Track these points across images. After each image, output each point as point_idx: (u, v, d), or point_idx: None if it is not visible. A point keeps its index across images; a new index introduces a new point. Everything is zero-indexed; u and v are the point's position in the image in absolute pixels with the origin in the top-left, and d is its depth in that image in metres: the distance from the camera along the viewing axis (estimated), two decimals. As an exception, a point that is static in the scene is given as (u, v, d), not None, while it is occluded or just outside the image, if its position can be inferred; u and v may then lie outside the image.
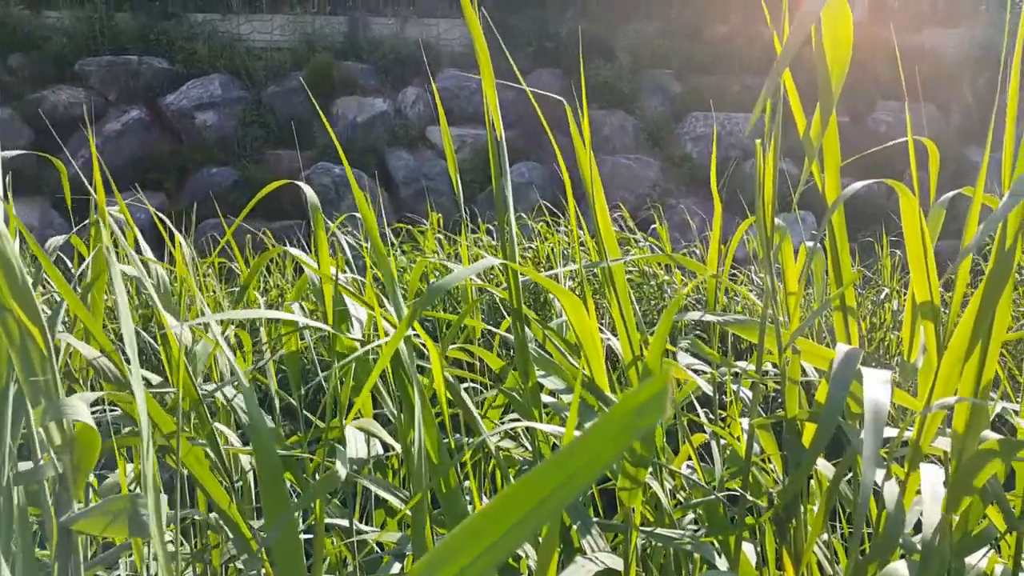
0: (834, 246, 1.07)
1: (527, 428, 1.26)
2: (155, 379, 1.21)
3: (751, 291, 3.00)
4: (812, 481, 1.21)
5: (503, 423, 1.11)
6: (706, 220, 5.49)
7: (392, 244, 3.44)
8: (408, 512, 0.96)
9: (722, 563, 1.07)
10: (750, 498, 1.07)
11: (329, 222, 1.47)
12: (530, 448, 1.28)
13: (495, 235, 3.62)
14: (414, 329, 1.03)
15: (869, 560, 0.95)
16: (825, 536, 1.17)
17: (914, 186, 1.00)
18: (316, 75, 10.08)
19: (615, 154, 10.09)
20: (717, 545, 1.11)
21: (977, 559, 0.99)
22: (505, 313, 2.13)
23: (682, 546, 1.04)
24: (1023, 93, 0.89)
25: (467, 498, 1.13)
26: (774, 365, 1.15)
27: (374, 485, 1.14)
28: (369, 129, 9.95)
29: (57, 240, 1.43)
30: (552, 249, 3.31)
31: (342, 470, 0.98)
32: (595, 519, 1.07)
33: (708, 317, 1.20)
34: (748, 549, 1.14)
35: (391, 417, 1.25)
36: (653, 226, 3.73)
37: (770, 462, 1.23)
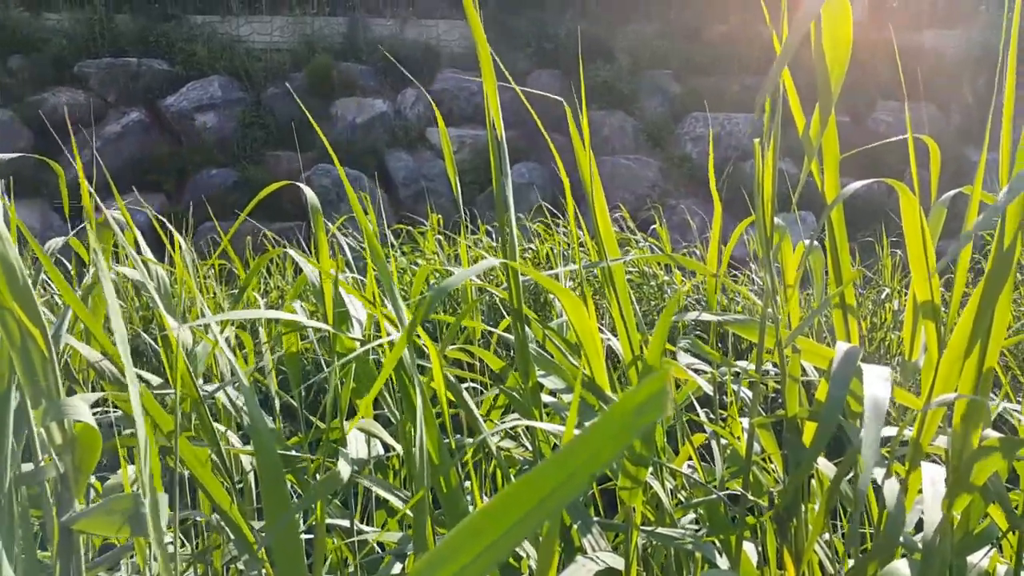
0: (834, 244, 1.08)
1: (527, 428, 1.26)
2: (156, 380, 1.21)
3: (751, 291, 3.01)
4: (813, 481, 1.21)
5: (503, 423, 1.11)
6: (706, 221, 5.48)
7: (392, 245, 3.44)
8: (409, 512, 0.96)
9: (723, 562, 1.07)
10: (751, 497, 1.07)
11: (329, 224, 1.47)
12: (530, 448, 1.28)
13: (494, 236, 3.62)
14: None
15: (870, 559, 0.95)
16: (827, 536, 1.17)
17: (914, 185, 1.00)
18: (315, 76, 10.09)
19: (614, 155, 10.10)
20: (718, 544, 1.11)
21: (979, 558, 0.99)
22: (505, 313, 2.13)
23: (683, 545, 1.04)
24: (1020, 92, 0.89)
25: (468, 498, 1.13)
26: (774, 365, 1.15)
27: (375, 485, 1.14)
28: (368, 130, 9.96)
29: (56, 242, 1.43)
30: (551, 250, 3.31)
31: (345, 471, 0.98)
32: (596, 519, 1.07)
33: (708, 316, 1.20)
34: (749, 548, 1.14)
35: (391, 418, 1.25)
36: (653, 227, 3.73)
37: (771, 462, 1.23)
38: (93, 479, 1.24)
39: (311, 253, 1.47)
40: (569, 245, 3.24)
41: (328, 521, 1.22)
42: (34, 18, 10.38)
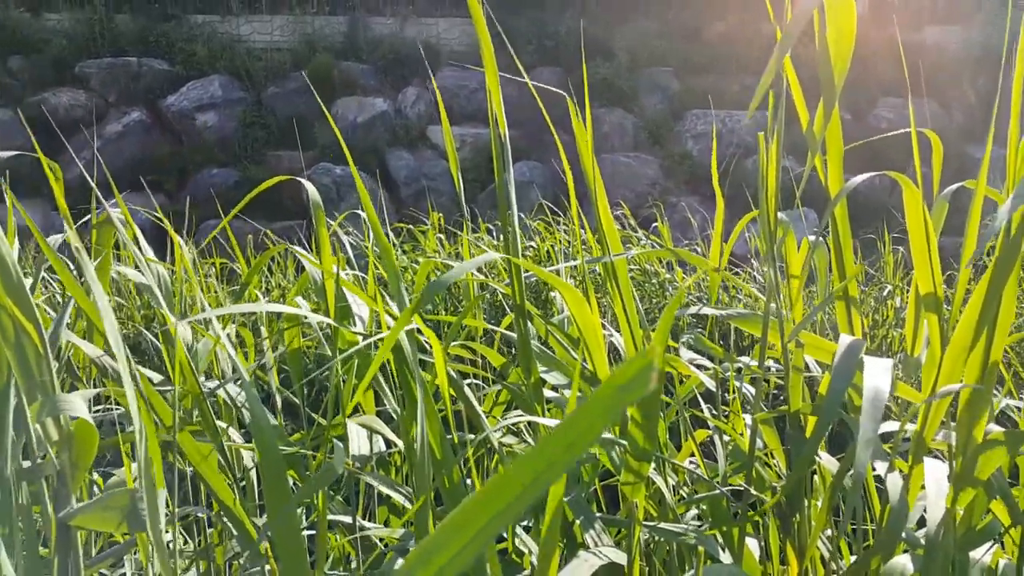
0: (837, 239, 1.07)
1: (529, 423, 1.25)
2: (157, 377, 1.21)
3: (753, 287, 3.00)
4: (816, 476, 1.21)
5: (506, 418, 1.11)
6: (707, 218, 5.48)
7: (393, 244, 3.44)
8: (410, 506, 0.96)
9: (726, 557, 1.07)
10: (754, 492, 1.06)
11: (330, 221, 1.47)
12: (533, 443, 1.28)
13: (495, 235, 3.62)
14: (416, 324, 1.03)
15: (873, 554, 0.95)
16: (829, 531, 1.17)
17: (917, 180, 1.00)
18: (316, 75, 10.08)
19: (614, 152, 10.09)
20: (721, 539, 1.11)
21: (981, 553, 0.99)
22: (508, 309, 2.13)
23: (686, 540, 1.04)
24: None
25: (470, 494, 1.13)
26: (776, 361, 1.15)
27: (377, 481, 1.14)
28: (369, 129, 9.96)
29: (55, 240, 1.43)
30: (552, 247, 3.31)
31: (339, 460, 0.97)
32: (598, 514, 1.06)
33: (711, 310, 1.19)
34: (752, 543, 1.13)
35: (393, 415, 1.24)
36: (654, 224, 3.73)
37: (773, 457, 1.23)
38: (97, 476, 1.24)
39: (312, 251, 1.46)
40: (570, 243, 3.24)
41: (331, 517, 1.22)
42: (34, 18, 10.38)
